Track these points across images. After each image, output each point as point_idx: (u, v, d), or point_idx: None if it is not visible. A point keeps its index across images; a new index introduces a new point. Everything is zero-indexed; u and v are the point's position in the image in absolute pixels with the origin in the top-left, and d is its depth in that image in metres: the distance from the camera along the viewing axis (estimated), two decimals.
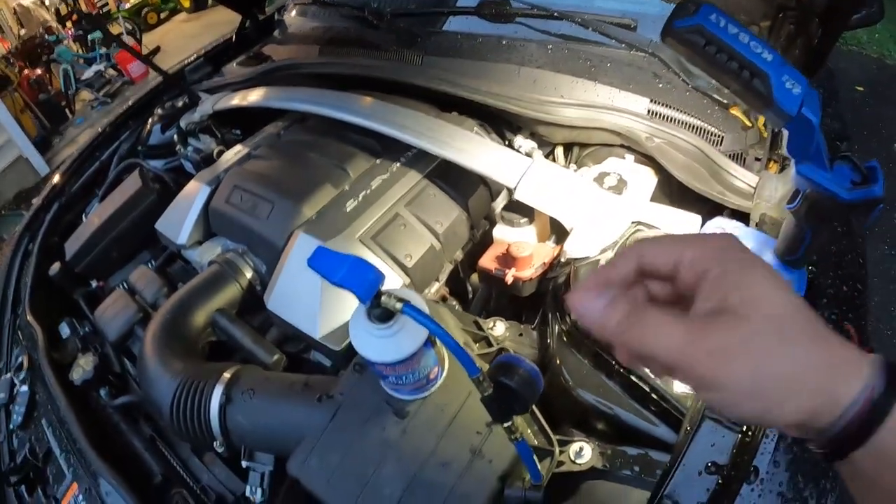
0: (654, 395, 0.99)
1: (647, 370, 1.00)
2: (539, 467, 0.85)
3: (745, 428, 0.86)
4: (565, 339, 1.10)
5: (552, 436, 0.95)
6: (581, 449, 0.94)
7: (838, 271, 1.13)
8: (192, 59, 2.34)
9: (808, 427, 0.41)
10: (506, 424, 0.77)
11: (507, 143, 1.59)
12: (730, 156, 1.37)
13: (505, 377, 0.74)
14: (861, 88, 4.96)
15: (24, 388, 1.43)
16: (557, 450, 0.93)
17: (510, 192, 1.30)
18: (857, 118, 4.42)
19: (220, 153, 1.74)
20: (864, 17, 1.90)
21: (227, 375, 1.10)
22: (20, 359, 1.50)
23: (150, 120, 2.00)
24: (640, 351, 0.43)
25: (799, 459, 0.83)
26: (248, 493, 1.07)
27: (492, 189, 1.49)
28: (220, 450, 1.07)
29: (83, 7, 10.70)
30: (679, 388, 0.99)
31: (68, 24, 9.34)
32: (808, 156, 0.94)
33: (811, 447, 0.43)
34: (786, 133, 0.94)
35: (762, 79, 0.83)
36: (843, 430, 0.39)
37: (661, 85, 1.45)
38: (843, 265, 1.17)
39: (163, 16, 11.23)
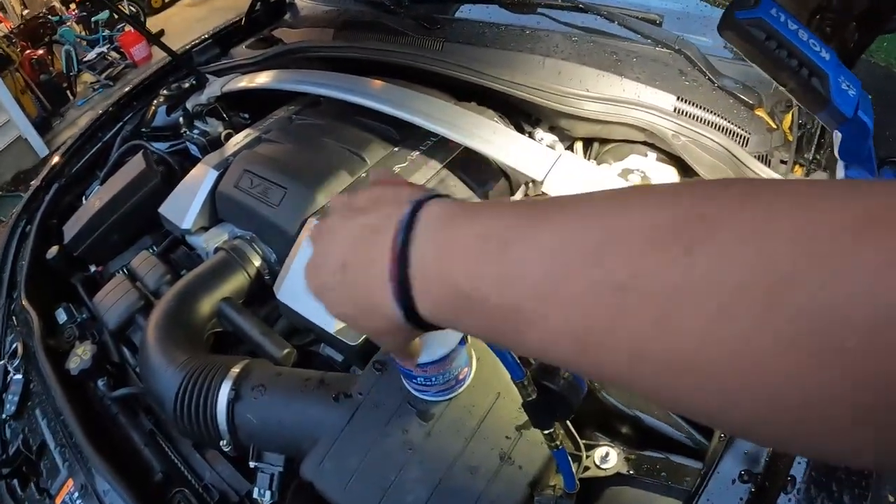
0: None
1: None
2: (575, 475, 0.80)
3: None
4: None
5: (580, 440, 0.91)
6: (607, 454, 0.90)
7: None
8: (200, 40, 2.28)
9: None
10: (547, 431, 0.71)
11: (526, 134, 1.53)
12: (755, 157, 1.33)
13: (549, 380, 0.68)
14: (870, 96, 4.96)
15: (19, 376, 1.37)
16: (584, 454, 0.89)
17: (535, 184, 1.25)
18: None
19: (228, 136, 1.69)
20: (893, 23, 1.89)
21: (235, 370, 1.03)
22: (14, 345, 1.44)
23: (155, 101, 1.96)
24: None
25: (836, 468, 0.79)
26: (255, 496, 1.01)
27: (511, 182, 1.44)
28: (226, 449, 1.01)
29: None
30: None
31: (72, 4, 9.28)
32: (859, 159, 0.91)
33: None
34: (837, 136, 0.90)
35: (821, 78, 0.81)
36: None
37: (686, 82, 1.40)
38: None
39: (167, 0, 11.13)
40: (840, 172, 0.95)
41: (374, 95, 1.44)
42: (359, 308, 0.45)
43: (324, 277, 0.48)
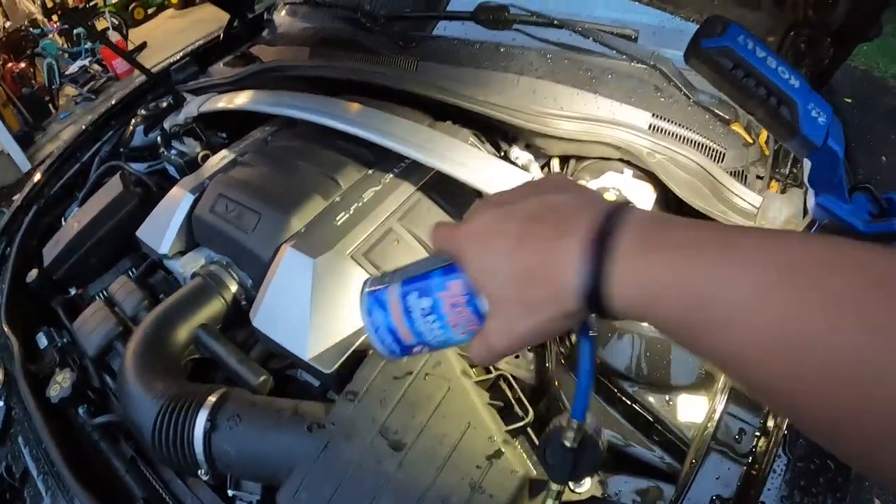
0: (657, 425, 0.97)
1: (650, 400, 0.98)
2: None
3: (751, 460, 0.85)
4: (563, 361, 1.07)
5: None
6: None
7: None
8: (178, 58, 2.27)
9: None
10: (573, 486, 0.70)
11: (502, 154, 1.55)
12: (731, 173, 1.34)
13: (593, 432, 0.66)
14: (849, 100, 5.01)
15: (0, 402, 1.38)
16: None
17: None
18: (845, 129, 4.47)
19: (205, 157, 1.70)
20: (868, 35, 1.91)
21: (211, 399, 1.04)
22: None
23: (133, 121, 1.95)
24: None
25: (807, 494, 0.81)
26: None
27: None
28: (205, 478, 1.02)
29: (70, 1, 10.55)
30: (682, 417, 0.96)
31: (54, 17, 9.20)
32: (829, 187, 0.91)
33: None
34: (807, 163, 0.91)
35: (790, 107, 0.80)
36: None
37: (662, 99, 1.41)
38: None
39: (150, 11, 11.04)
40: (810, 200, 0.96)
41: (348, 119, 1.45)
42: (534, 294, 0.46)
43: (501, 271, 0.48)
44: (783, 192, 1.26)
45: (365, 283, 0.57)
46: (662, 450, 0.98)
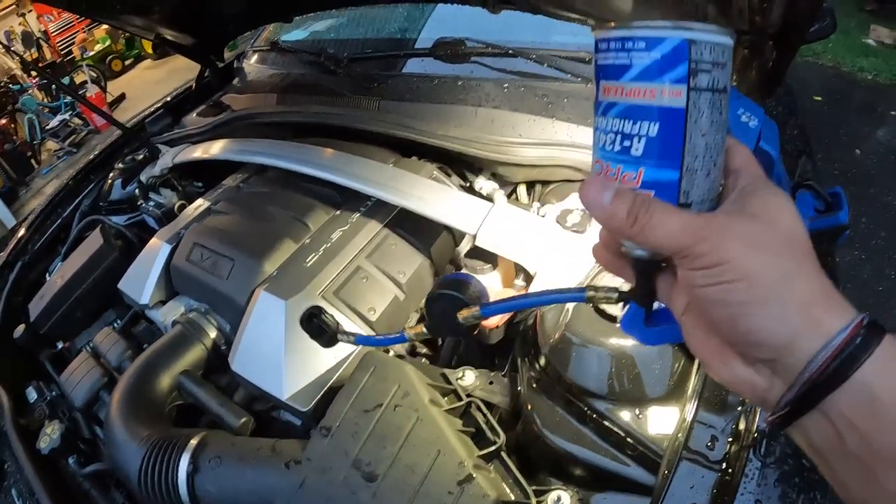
0: (629, 439, 0.98)
1: (621, 416, 0.99)
2: None
3: (724, 466, 0.85)
4: (535, 385, 1.09)
5: (527, 487, 0.94)
6: (559, 498, 0.93)
7: None
8: (152, 110, 2.33)
9: (780, 364, 0.40)
10: None
11: (468, 184, 1.59)
12: None
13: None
14: (819, 98, 5.10)
15: None
16: (534, 501, 0.92)
17: (473, 237, 1.30)
18: (817, 127, 4.55)
19: (182, 207, 1.74)
20: (817, 31, 1.95)
21: (193, 443, 1.07)
22: None
23: (111, 175, 1.99)
24: (643, 240, 0.44)
25: (783, 496, 0.82)
26: None
27: (455, 234, 1.48)
28: None
29: (48, 55, 10.64)
30: (654, 429, 0.98)
31: (33, 72, 9.27)
32: None
33: (768, 415, 0.43)
34: None
35: None
36: (821, 368, 0.38)
37: None
38: None
39: (127, 63, 11.18)
40: None
41: (315, 163, 1.50)
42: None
43: None
44: None
45: None
46: (638, 464, 0.98)
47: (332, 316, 0.90)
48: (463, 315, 0.71)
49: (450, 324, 0.73)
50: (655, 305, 0.53)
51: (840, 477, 0.40)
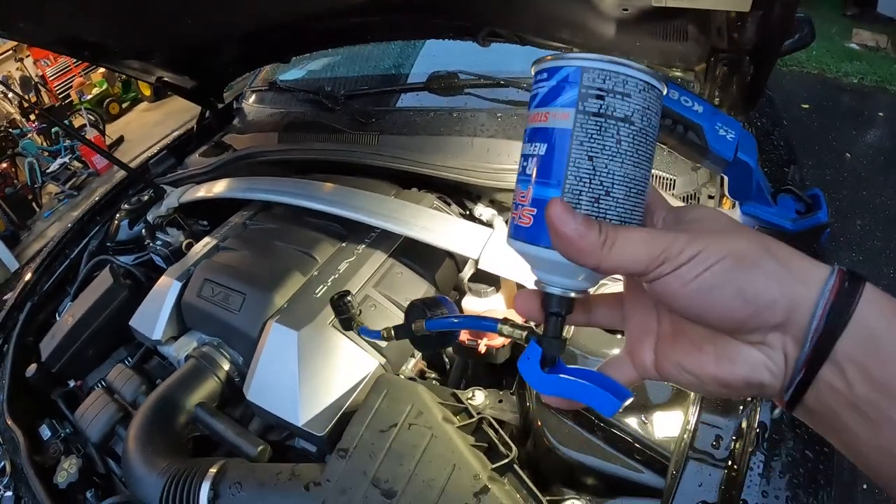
0: (637, 445, 1.01)
1: (628, 423, 1.03)
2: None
3: (730, 463, 0.88)
4: (543, 401, 1.13)
5: (542, 498, 0.98)
6: None
7: None
8: (156, 151, 2.38)
9: (790, 323, 0.41)
10: None
11: (467, 212, 1.64)
12: (683, 197, 1.43)
13: None
14: (807, 106, 5.18)
15: (9, 493, 1.42)
16: None
17: (475, 262, 1.34)
18: (807, 135, 4.61)
19: (189, 245, 1.78)
20: (797, 42, 2.00)
21: (213, 471, 1.10)
22: (2, 463, 1.49)
23: (117, 215, 2.03)
24: (613, 262, 0.44)
25: (789, 485, 0.85)
26: None
27: (458, 260, 1.53)
28: None
29: (46, 99, 10.74)
30: (660, 433, 1.01)
31: (32, 116, 9.34)
32: (749, 195, 0.97)
33: (776, 400, 0.44)
34: (725, 178, 0.98)
35: (696, 131, 0.87)
36: (824, 314, 0.40)
37: None
38: None
39: (125, 106, 11.22)
40: (736, 211, 1.03)
41: (319, 198, 1.54)
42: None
43: None
44: (734, 207, 1.34)
45: None
46: (647, 468, 1.01)
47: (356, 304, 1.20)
48: (415, 326, 0.90)
49: (406, 328, 0.99)
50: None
51: (850, 428, 0.41)
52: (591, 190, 0.46)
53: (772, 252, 0.42)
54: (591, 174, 0.45)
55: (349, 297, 1.21)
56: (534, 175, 0.47)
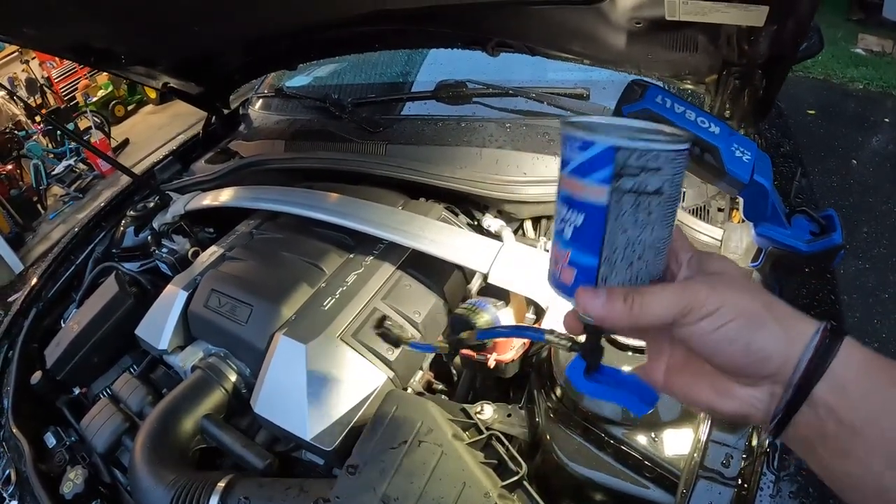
0: (646, 462, 1.00)
1: (638, 440, 1.02)
2: None
3: (740, 482, 0.88)
4: (552, 415, 1.12)
5: None
6: None
7: (811, 311, 1.17)
8: (161, 157, 2.37)
9: (780, 373, 0.49)
10: None
11: (476, 223, 1.63)
12: (693, 210, 1.42)
13: None
14: (813, 112, 5.17)
15: (14, 502, 1.42)
16: None
17: (484, 276, 1.34)
18: (813, 141, 4.61)
19: (195, 254, 1.78)
20: (804, 51, 1.99)
21: (221, 485, 1.09)
22: (7, 471, 1.48)
23: (122, 222, 2.03)
24: (645, 320, 0.51)
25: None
26: None
27: (466, 272, 1.52)
28: None
29: (51, 101, 10.76)
30: (670, 451, 1.00)
31: (37, 118, 9.38)
32: (764, 217, 0.96)
33: (770, 421, 0.51)
34: (740, 200, 0.97)
35: (713, 153, 0.86)
36: (807, 367, 0.47)
37: None
38: (815, 304, 1.22)
39: (130, 108, 11.27)
40: (751, 232, 1.03)
41: (326, 208, 1.54)
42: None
43: None
44: (744, 221, 1.34)
45: None
46: (657, 486, 1.00)
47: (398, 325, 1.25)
48: (467, 335, 0.85)
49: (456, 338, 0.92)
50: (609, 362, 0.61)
51: (824, 459, 0.49)
52: (625, 258, 0.51)
53: (774, 313, 0.49)
54: (626, 244, 0.51)
55: (389, 322, 1.27)
56: (571, 240, 0.52)
